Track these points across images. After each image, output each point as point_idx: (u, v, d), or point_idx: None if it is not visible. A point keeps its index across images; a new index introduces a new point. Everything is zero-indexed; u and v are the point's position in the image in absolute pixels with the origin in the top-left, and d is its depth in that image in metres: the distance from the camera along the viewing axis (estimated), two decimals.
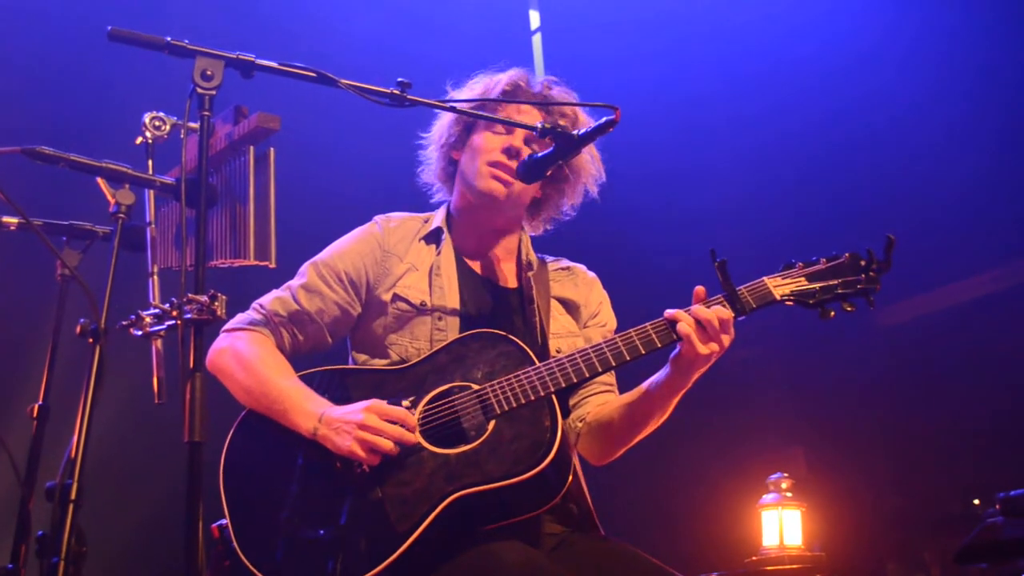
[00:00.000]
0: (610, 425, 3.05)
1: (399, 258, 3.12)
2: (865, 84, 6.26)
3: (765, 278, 2.88)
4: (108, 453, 4.76)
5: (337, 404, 2.84)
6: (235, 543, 2.75)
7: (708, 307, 2.79)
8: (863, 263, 2.88)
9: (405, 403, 2.81)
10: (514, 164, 3.05)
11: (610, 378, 3.19)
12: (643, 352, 2.82)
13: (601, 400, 3.14)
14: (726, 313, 2.79)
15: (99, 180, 2.48)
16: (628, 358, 2.83)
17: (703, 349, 2.77)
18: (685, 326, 2.77)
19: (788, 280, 2.88)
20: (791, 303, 2.86)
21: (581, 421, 3.11)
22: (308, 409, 2.83)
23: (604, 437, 3.08)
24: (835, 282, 2.86)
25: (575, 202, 3.29)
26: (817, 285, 2.86)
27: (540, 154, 2.89)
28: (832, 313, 2.85)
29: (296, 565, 2.71)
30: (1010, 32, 5.95)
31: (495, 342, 2.90)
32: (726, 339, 2.80)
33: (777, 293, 2.85)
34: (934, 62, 6.03)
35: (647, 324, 2.85)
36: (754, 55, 6.49)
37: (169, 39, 2.37)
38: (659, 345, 2.83)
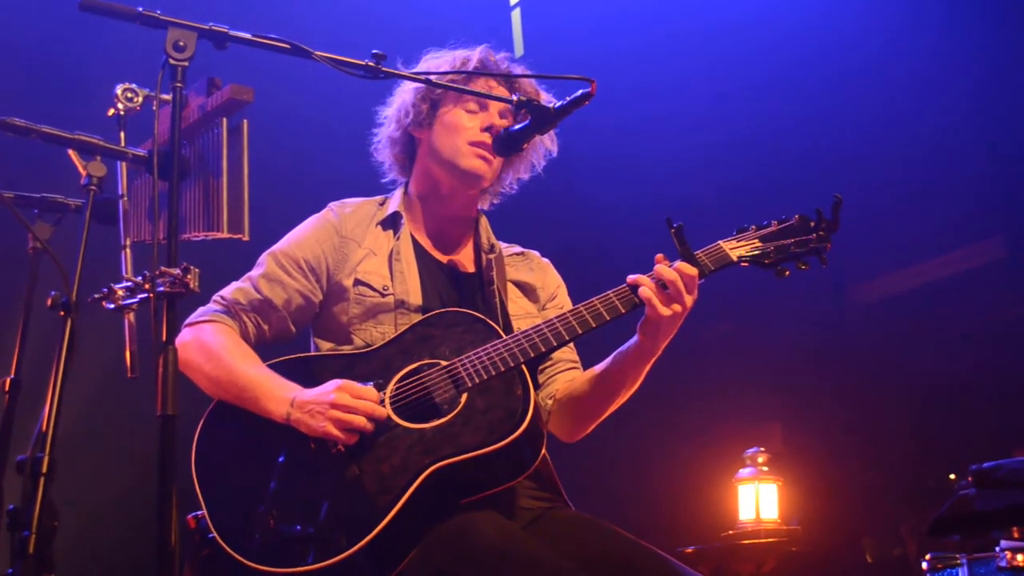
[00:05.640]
0: (581, 398, 3.07)
1: (357, 243, 3.10)
2: (837, 55, 6.27)
3: (720, 241, 2.93)
4: (80, 426, 4.73)
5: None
6: (215, 532, 2.73)
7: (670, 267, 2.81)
8: (812, 224, 2.94)
9: (372, 386, 2.80)
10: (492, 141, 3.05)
11: (574, 355, 3.21)
12: (607, 319, 2.84)
13: (568, 377, 3.15)
14: (690, 269, 2.81)
15: (70, 152, 2.45)
16: (593, 325, 2.85)
17: (666, 311, 2.79)
18: (646, 289, 2.80)
19: (743, 242, 2.94)
20: (747, 264, 2.92)
21: (551, 398, 3.12)
22: (279, 395, 2.81)
23: (576, 411, 3.09)
24: (788, 242, 2.92)
25: (525, 176, 3.30)
26: (771, 245, 2.93)
27: (517, 127, 2.90)
28: (787, 272, 2.92)
29: (279, 548, 2.69)
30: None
31: (460, 320, 2.92)
32: (689, 299, 2.81)
33: (733, 255, 2.91)
34: (902, 26, 6.05)
35: (610, 291, 2.87)
36: (735, 29, 6.48)
37: (141, 9, 2.34)
38: (623, 311, 2.85)
